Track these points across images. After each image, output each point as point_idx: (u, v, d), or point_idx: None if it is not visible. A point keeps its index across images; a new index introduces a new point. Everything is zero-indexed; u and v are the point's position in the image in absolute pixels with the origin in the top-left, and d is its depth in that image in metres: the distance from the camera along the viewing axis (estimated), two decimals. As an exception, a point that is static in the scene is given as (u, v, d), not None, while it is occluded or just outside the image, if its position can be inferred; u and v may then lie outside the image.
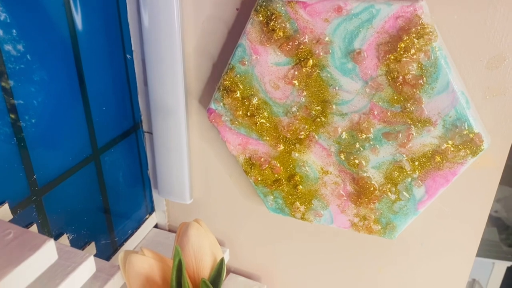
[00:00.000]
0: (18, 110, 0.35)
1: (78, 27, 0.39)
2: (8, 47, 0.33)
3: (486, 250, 0.90)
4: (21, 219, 0.37)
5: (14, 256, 0.23)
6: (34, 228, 0.38)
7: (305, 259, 0.53)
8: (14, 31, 0.33)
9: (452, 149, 0.36)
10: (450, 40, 0.35)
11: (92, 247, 0.46)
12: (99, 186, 0.46)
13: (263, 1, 0.36)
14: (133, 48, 0.47)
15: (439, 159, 0.37)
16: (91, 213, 0.46)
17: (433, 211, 0.42)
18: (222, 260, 0.33)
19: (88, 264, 0.28)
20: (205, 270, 0.33)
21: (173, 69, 0.44)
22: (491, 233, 0.97)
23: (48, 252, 0.25)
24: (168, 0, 0.41)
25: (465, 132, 0.35)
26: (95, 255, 0.47)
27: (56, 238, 0.41)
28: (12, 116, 0.34)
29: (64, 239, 0.42)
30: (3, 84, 0.33)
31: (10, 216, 0.35)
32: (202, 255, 0.33)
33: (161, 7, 0.41)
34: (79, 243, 0.45)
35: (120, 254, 0.31)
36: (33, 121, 0.37)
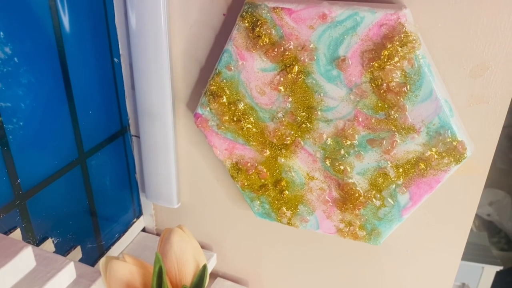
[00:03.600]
0: (5, 113, 0.35)
1: (65, 30, 0.39)
2: (-5, 50, 0.33)
3: (476, 254, 0.90)
4: (4, 224, 0.36)
5: (-10, 264, 0.23)
6: (17, 232, 0.38)
7: (292, 264, 0.53)
8: (1, 33, 0.33)
9: (436, 156, 0.36)
10: (434, 48, 0.35)
11: (77, 251, 0.46)
12: (86, 190, 0.46)
13: (249, 7, 0.36)
14: (120, 52, 0.47)
15: (423, 166, 0.37)
16: (77, 217, 0.46)
17: (417, 218, 0.42)
18: (204, 266, 0.33)
19: (68, 270, 0.28)
20: (188, 277, 0.33)
21: (160, 73, 0.44)
22: (481, 238, 0.97)
23: (26, 258, 0.25)
24: (155, 4, 0.41)
25: (448, 140, 0.35)
26: (80, 259, 0.47)
27: (40, 242, 0.41)
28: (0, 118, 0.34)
29: (49, 243, 0.42)
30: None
31: (-7, 221, 0.35)
32: (184, 261, 0.33)
33: (148, 11, 0.41)
34: (64, 247, 0.44)
35: (101, 260, 0.31)
36: (21, 123, 0.36)
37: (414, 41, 0.33)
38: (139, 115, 0.48)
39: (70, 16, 0.39)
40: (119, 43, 0.47)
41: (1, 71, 0.34)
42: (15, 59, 0.35)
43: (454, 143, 0.35)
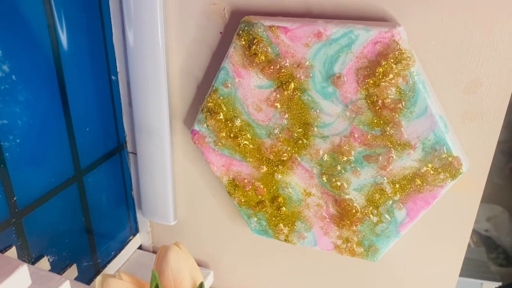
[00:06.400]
0: (3, 131, 0.35)
1: (63, 48, 0.39)
2: (-7, 68, 0.33)
3: (475, 270, 0.89)
4: (-1, 242, 0.36)
5: (-16, 283, 0.23)
6: (13, 250, 0.37)
7: (290, 281, 0.52)
8: (-1, 52, 0.33)
9: (431, 172, 0.36)
10: (428, 65, 0.36)
11: (73, 269, 0.46)
12: (82, 208, 0.46)
13: (245, 26, 0.37)
14: (118, 69, 0.47)
15: (419, 182, 0.37)
16: (73, 235, 0.45)
17: (415, 234, 0.42)
18: (201, 284, 0.33)
19: (64, 289, 0.27)
20: (184, 294, 0.32)
21: (157, 90, 0.44)
22: (479, 253, 0.97)
23: (21, 277, 0.24)
24: (153, 22, 0.41)
25: (444, 156, 0.35)
26: (76, 278, 0.46)
27: (36, 260, 0.40)
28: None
29: (45, 262, 0.41)
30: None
31: (-12, 239, 0.35)
32: (181, 279, 0.32)
33: (146, 29, 0.42)
34: (60, 265, 0.44)
35: (97, 278, 0.31)
36: (17, 141, 0.36)
37: (408, 58, 0.33)
38: (136, 132, 0.48)
39: (68, 34, 0.40)
40: (117, 61, 0.47)
41: (-1, 88, 0.34)
42: (13, 76, 0.35)
43: (450, 159, 0.35)
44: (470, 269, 0.89)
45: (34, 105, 0.37)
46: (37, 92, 0.38)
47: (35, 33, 0.36)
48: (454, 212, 0.40)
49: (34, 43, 0.36)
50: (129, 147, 0.52)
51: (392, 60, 0.33)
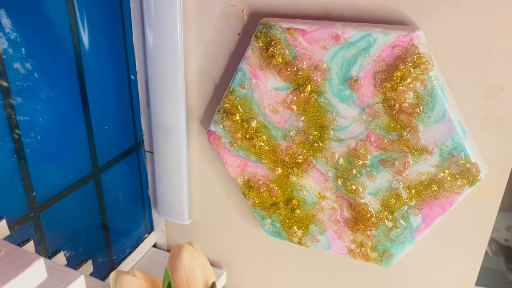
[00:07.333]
0: (24, 127, 0.36)
1: (84, 47, 0.40)
2: (17, 65, 0.34)
3: (492, 280, 0.88)
4: (18, 236, 0.37)
5: (2, 274, 0.23)
6: (31, 244, 0.38)
7: (302, 284, 0.52)
8: (23, 49, 0.34)
9: (448, 178, 0.36)
10: (448, 70, 0.35)
11: (89, 265, 0.47)
12: (99, 204, 0.47)
13: (263, 28, 0.37)
14: (137, 69, 0.48)
15: (436, 187, 0.36)
16: (89, 231, 0.46)
17: (430, 240, 0.42)
18: (214, 284, 0.33)
19: (79, 283, 0.28)
20: (196, 293, 0.32)
21: (175, 90, 0.45)
22: (497, 263, 0.95)
23: (37, 270, 0.25)
24: (172, 23, 0.42)
25: (461, 162, 0.35)
26: (91, 273, 0.47)
27: (53, 255, 0.41)
28: (18, 132, 0.35)
29: (61, 256, 0.42)
30: (10, 101, 0.34)
31: (7, 232, 0.36)
32: (194, 278, 0.33)
33: (165, 30, 0.42)
34: (76, 261, 0.45)
35: (111, 274, 0.32)
36: (38, 137, 0.37)
37: (427, 63, 0.33)
38: (154, 131, 0.48)
39: (90, 34, 0.41)
40: (136, 61, 0.48)
41: (22, 86, 0.35)
42: (35, 74, 0.36)
43: (468, 165, 0.35)
44: (487, 278, 0.87)
45: (55, 102, 0.38)
46: (58, 90, 0.38)
47: (57, 32, 0.37)
48: (471, 220, 0.40)
49: (56, 42, 0.37)
50: (146, 146, 0.53)
51: (410, 64, 0.33)
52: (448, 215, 0.38)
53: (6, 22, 0.32)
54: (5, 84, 0.33)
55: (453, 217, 0.40)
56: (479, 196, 0.38)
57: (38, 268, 0.25)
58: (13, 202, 0.36)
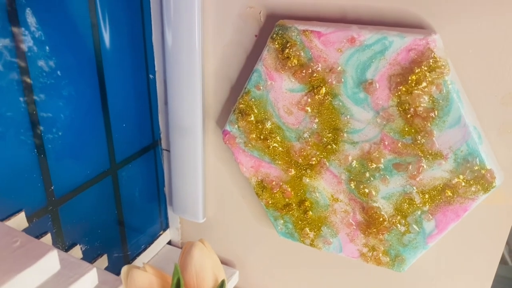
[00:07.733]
0: (47, 123, 0.37)
1: (105, 46, 0.41)
2: (41, 63, 0.35)
3: (510, 289, 0.86)
4: (36, 228, 0.38)
5: (17, 264, 0.24)
6: (48, 237, 0.39)
7: (314, 285, 0.52)
8: (47, 48, 0.35)
9: (463, 184, 0.35)
10: (464, 74, 0.35)
11: (104, 260, 0.48)
12: (115, 200, 0.48)
13: (279, 29, 0.37)
14: (156, 68, 0.49)
15: (449, 193, 0.36)
16: (105, 226, 0.47)
17: (443, 246, 0.41)
18: (223, 282, 0.33)
19: (91, 276, 0.29)
20: (206, 290, 0.33)
21: (192, 90, 0.46)
22: (516, 272, 0.93)
23: (51, 261, 0.26)
24: (191, 24, 0.42)
25: (476, 168, 0.34)
26: (106, 268, 0.48)
27: (69, 248, 0.42)
28: (41, 128, 0.36)
29: (77, 250, 0.43)
30: (33, 97, 0.35)
31: (26, 225, 0.37)
32: (203, 275, 0.33)
33: (184, 30, 0.43)
34: (91, 255, 0.46)
35: (123, 268, 0.32)
36: (60, 133, 0.38)
37: (443, 67, 0.32)
38: (171, 130, 0.49)
39: (110, 33, 0.42)
40: (155, 60, 0.49)
41: (45, 83, 0.36)
42: (58, 72, 0.37)
43: (483, 171, 0.34)
44: (502, 287, 0.85)
45: (76, 100, 0.39)
46: (79, 87, 0.39)
47: (79, 31, 0.38)
48: (485, 227, 0.39)
49: (78, 41, 0.38)
50: (163, 144, 0.53)
51: (426, 68, 0.33)
52: (462, 221, 0.37)
53: (32, 21, 0.33)
54: (28, 80, 0.34)
55: (467, 223, 0.39)
56: (495, 203, 0.38)
57: (51, 259, 0.26)
58: (32, 195, 0.37)
